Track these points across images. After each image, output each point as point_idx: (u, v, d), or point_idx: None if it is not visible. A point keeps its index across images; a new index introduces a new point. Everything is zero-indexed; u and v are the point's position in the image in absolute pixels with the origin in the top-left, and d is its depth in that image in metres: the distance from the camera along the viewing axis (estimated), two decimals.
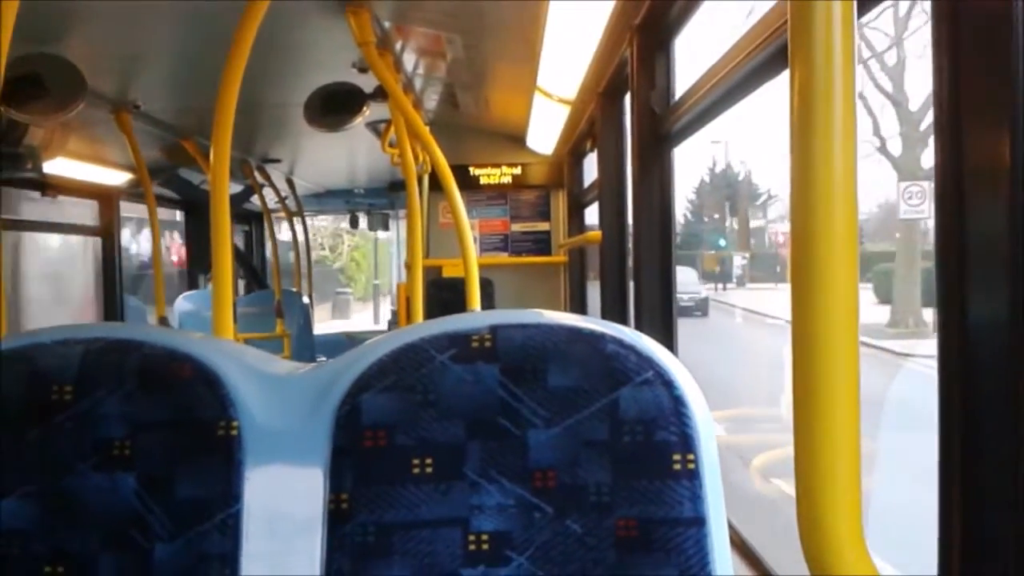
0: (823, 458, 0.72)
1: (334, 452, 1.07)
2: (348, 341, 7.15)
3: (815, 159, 0.71)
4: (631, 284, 3.15)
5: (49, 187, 4.59)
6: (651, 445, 1.05)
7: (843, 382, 0.71)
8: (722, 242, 34.21)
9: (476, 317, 1.11)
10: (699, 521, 1.04)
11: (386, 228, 10.31)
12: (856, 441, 0.72)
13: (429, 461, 1.06)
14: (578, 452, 1.05)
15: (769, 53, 1.62)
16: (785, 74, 0.75)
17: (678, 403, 1.05)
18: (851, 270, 0.71)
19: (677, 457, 1.04)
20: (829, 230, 0.71)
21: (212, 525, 1.06)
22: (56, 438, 1.08)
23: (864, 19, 1.21)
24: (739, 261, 32.41)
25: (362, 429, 1.07)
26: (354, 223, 10.00)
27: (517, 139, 5.36)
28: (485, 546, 1.05)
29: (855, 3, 0.72)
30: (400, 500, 1.06)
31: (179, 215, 7.44)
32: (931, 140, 1.00)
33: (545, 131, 4.91)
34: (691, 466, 1.05)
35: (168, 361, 1.10)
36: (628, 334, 1.09)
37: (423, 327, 1.12)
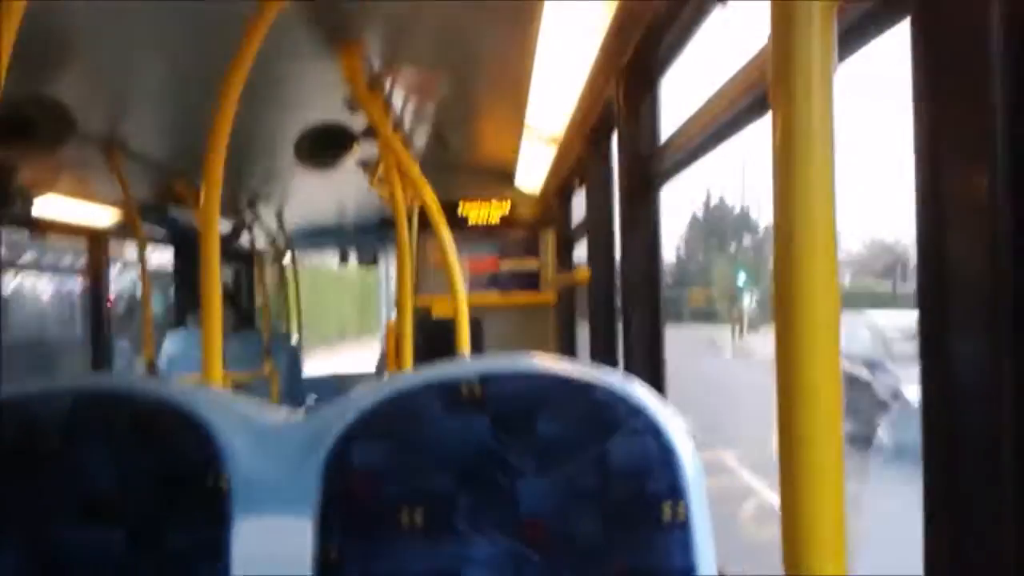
0: (807, 467, 0.72)
1: (323, 503, 1.06)
2: (338, 382, 7.11)
3: (797, 199, 0.73)
4: (620, 322, 3.15)
5: (38, 227, 4.59)
6: (641, 495, 1.05)
7: (826, 394, 0.72)
8: (741, 276, 31.43)
9: (466, 366, 1.11)
10: (689, 571, 1.04)
11: (375, 263, 10.31)
12: (839, 451, 0.73)
13: (419, 511, 1.06)
14: (568, 502, 1.05)
15: (753, 97, 1.64)
16: (768, 116, 0.77)
17: (667, 453, 1.05)
18: (832, 300, 0.73)
19: (667, 507, 1.04)
20: (811, 265, 0.72)
21: None
22: (43, 490, 1.07)
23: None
24: (750, 302, 29.65)
25: (352, 479, 1.06)
26: (343, 259, 10.00)
27: (505, 177, 5.38)
28: None
29: (835, 51, 0.74)
30: (390, 552, 1.05)
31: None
32: None
33: (533, 169, 4.94)
34: (681, 516, 1.04)
35: (157, 413, 1.10)
36: (618, 382, 1.09)
37: (413, 376, 1.12)
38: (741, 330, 27.83)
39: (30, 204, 3.74)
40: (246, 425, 1.11)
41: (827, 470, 0.72)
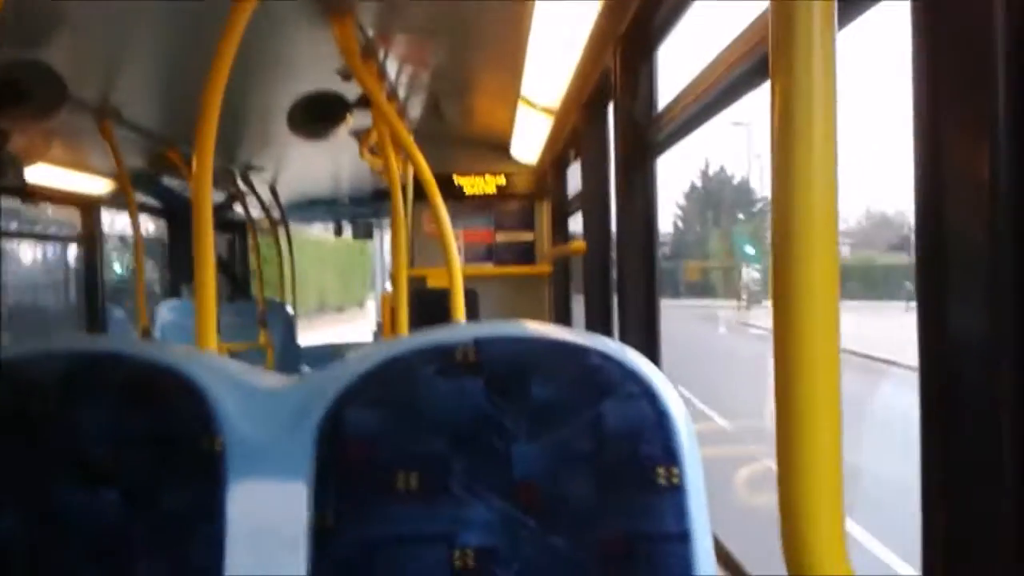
0: (805, 462, 0.72)
1: (318, 467, 1.06)
2: (333, 352, 7.13)
3: (796, 170, 0.72)
4: (615, 294, 3.15)
5: (30, 195, 4.57)
6: (635, 459, 1.05)
7: (824, 386, 0.72)
8: (749, 249, 30.22)
9: (460, 330, 1.11)
10: (684, 535, 1.04)
11: (370, 236, 10.30)
12: (837, 445, 0.72)
13: (414, 475, 1.06)
14: (562, 465, 1.05)
15: (750, 65, 1.62)
16: (767, 85, 0.76)
17: (662, 416, 1.05)
18: (831, 276, 0.72)
19: (661, 471, 1.04)
20: (810, 238, 0.72)
21: (195, 540, 1.05)
22: (39, 452, 1.07)
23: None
24: (752, 274, 28.98)
25: (346, 443, 1.06)
26: (338, 232, 9.98)
27: (501, 148, 5.36)
28: (471, 561, 1.04)
29: (835, 17, 0.73)
30: (385, 515, 1.05)
31: None
32: None
33: (529, 141, 4.92)
34: (675, 480, 1.04)
35: (152, 375, 1.09)
36: (613, 347, 1.09)
37: (407, 340, 1.11)
38: (748, 305, 27.06)
39: (22, 172, 3.72)
40: (240, 388, 1.11)
41: (825, 469, 0.72)
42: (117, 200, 5.31)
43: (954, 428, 0.94)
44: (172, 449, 1.07)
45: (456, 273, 3.00)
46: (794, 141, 0.72)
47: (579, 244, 3.91)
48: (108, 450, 1.07)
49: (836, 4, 0.73)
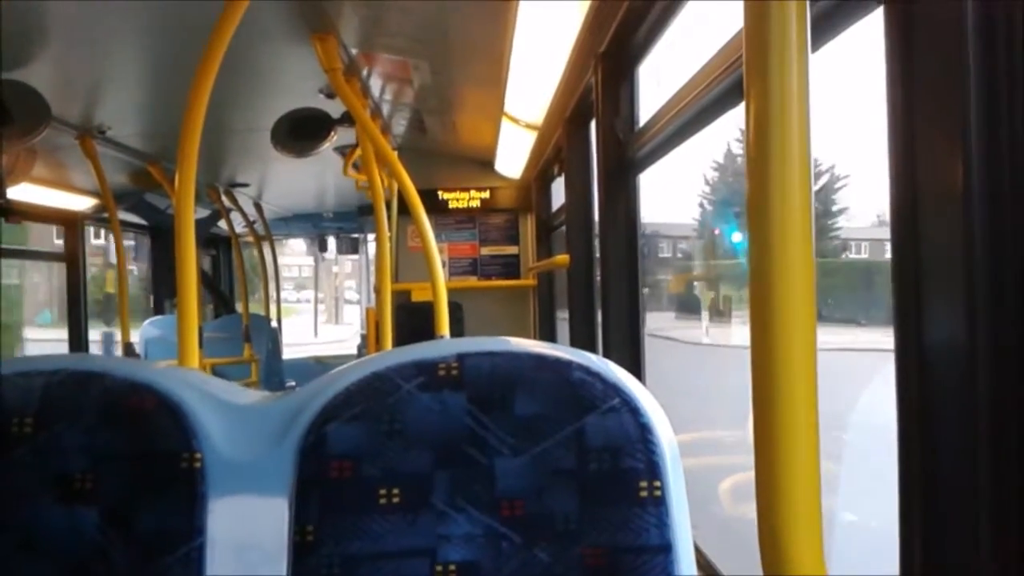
0: (783, 463, 0.73)
1: (299, 483, 1.06)
2: (317, 366, 7.11)
3: (771, 188, 0.73)
4: (599, 309, 3.16)
5: (13, 213, 4.55)
6: (617, 473, 1.05)
7: (803, 388, 0.73)
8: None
9: (443, 345, 1.11)
10: (666, 548, 1.05)
11: (355, 252, 10.29)
12: (815, 446, 0.73)
13: (396, 491, 1.06)
14: (545, 480, 1.05)
15: (728, 85, 1.64)
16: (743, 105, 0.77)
17: (644, 430, 1.06)
18: (808, 284, 0.74)
19: (644, 484, 1.05)
20: (785, 255, 0.73)
21: (175, 559, 1.05)
22: (16, 471, 1.06)
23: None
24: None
25: (328, 459, 1.06)
26: (323, 247, 9.97)
27: (485, 163, 5.38)
28: None
29: (808, 38, 0.74)
30: (366, 531, 1.05)
31: None
32: None
33: (513, 156, 4.93)
34: (657, 493, 1.05)
35: (130, 392, 1.09)
36: (595, 361, 1.09)
37: (390, 355, 1.11)
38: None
39: (5, 191, 3.71)
40: (220, 405, 1.11)
41: (803, 469, 0.73)
42: (101, 217, 5.30)
43: (932, 435, 0.95)
44: (151, 466, 1.07)
45: (440, 287, 3.01)
46: (770, 163, 0.73)
47: (563, 258, 3.92)
48: (86, 468, 1.06)
49: (809, 23, 0.74)
